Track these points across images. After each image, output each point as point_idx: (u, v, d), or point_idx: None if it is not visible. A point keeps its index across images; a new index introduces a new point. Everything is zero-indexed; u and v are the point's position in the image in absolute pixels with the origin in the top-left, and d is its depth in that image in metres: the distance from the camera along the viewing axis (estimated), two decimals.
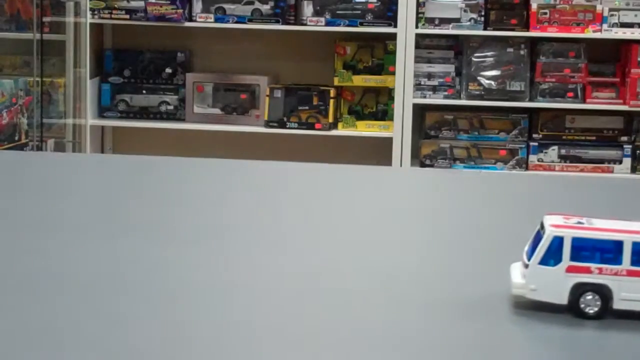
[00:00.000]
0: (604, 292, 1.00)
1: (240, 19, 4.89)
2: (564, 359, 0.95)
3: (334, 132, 4.96)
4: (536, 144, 4.90)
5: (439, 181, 1.86)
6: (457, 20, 4.85)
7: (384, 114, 4.97)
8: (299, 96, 4.96)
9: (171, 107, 5.05)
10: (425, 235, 1.40)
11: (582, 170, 4.86)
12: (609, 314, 1.00)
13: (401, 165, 4.78)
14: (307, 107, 4.95)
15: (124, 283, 1.10)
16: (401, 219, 1.48)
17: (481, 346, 0.96)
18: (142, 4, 4.88)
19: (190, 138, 5.08)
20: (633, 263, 0.99)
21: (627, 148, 4.86)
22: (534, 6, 4.81)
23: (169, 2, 4.85)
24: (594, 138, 4.90)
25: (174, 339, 0.94)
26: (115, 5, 4.89)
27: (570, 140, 4.91)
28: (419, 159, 4.93)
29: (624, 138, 4.88)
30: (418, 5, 4.81)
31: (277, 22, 4.88)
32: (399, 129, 4.84)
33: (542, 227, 1.02)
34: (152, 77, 5.07)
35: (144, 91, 5.06)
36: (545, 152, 4.90)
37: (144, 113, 5.06)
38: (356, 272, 1.17)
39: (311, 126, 4.93)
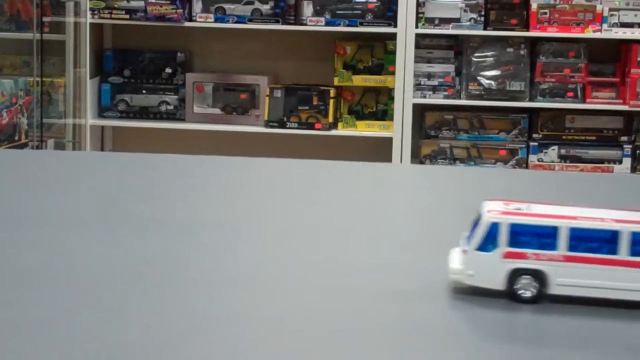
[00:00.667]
0: (540, 278, 1.00)
1: (240, 19, 4.90)
2: (501, 341, 0.95)
3: (333, 132, 4.95)
4: (536, 143, 4.90)
5: (433, 176, 1.86)
6: (457, 20, 4.85)
7: (384, 114, 4.97)
8: (299, 96, 4.96)
9: (171, 107, 5.06)
10: (394, 226, 1.40)
11: (582, 170, 4.85)
12: (545, 298, 1.00)
13: None
14: (307, 107, 4.95)
15: (124, 278, 1.11)
16: (391, 212, 1.48)
17: (420, 330, 0.96)
18: (142, 4, 4.89)
19: (190, 138, 5.09)
20: (570, 249, 0.99)
21: (627, 148, 4.84)
22: (534, 6, 4.80)
23: (169, 2, 4.86)
24: (594, 138, 4.88)
25: (174, 332, 0.94)
26: (115, 5, 4.90)
27: (570, 140, 4.90)
28: (419, 159, 4.92)
29: (624, 138, 4.87)
30: (418, 5, 4.81)
31: (277, 22, 4.88)
32: (399, 129, 4.84)
33: (481, 213, 1.02)
34: (152, 77, 5.08)
35: (144, 91, 5.07)
36: (545, 152, 4.89)
37: (144, 113, 5.06)
38: (326, 265, 1.18)
39: (311, 126, 4.93)
